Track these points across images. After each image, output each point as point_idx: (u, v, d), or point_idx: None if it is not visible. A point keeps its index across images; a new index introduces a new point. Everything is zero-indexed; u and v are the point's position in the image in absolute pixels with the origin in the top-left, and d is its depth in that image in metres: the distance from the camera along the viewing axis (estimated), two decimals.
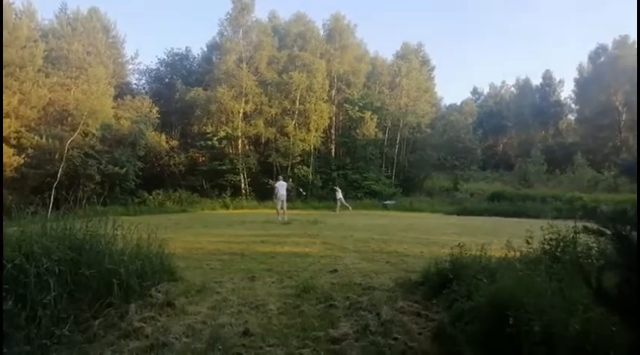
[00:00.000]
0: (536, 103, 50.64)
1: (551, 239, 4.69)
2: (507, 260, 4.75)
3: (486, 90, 60.96)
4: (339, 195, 24.46)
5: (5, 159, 20.21)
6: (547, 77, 52.57)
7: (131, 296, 4.52)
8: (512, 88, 57.55)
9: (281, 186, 16.89)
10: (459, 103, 54.02)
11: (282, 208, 16.36)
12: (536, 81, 53.81)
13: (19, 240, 3.88)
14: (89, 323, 3.78)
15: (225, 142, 30.10)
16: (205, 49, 35.84)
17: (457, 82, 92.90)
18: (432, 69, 41.21)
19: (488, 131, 50.92)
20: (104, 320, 3.94)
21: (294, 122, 30.91)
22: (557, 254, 4.40)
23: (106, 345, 3.54)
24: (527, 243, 4.80)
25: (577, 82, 47.27)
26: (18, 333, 2.94)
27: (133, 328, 3.87)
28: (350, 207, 24.20)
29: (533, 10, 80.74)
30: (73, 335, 3.47)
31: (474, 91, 61.72)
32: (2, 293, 1.99)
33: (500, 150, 53.61)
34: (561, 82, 52.40)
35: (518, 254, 4.76)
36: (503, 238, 5.12)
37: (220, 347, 3.56)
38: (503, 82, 59.78)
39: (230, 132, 29.64)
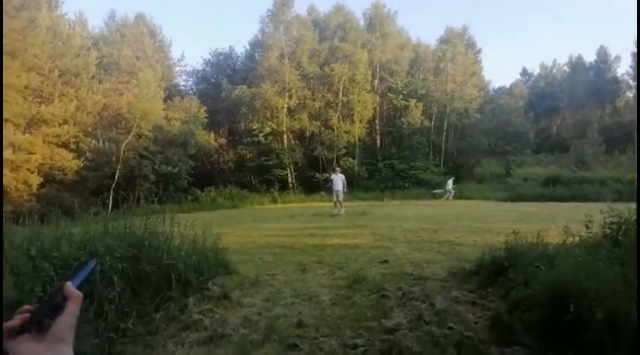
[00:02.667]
0: (590, 82, 47.78)
1: (612, 222, 4.43)
2: (565, 246, 4.55)
3: (537, 71, 57.98)
4: (450, 185, 25.08)
5: (65, 163, 21.40)
6: (602, 53, 49.50)
7: (189, 290, 4.69)
8: (565, 67, 54.61)
9: (337, 179, 16.48)
10: (508, 86, 51.91)
11: (337, 200, 16.12)
12: (590, 58, 50.80)
13: (84, 239, 4.11)
14: (151, 317, 3.96)
15: (270, 138, 30.53)
16: (248, 47, 36.48)
17: (505, 64, 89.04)
18: (478, 52, 39.79)
19: (541, 113, 48.66)
20: (165, 313, 4.11)
21: (337, 114, 30.89)
22: (619, 238, 4.17)
23: (167, 337, 3.70)
24: (587, 227, 4.57)
25: (635, 56, 44.11)
26: (88, 326, 3.11)
27: (193, 320, 4.03)
28: (450, 197, 24.67)
29: None
30: (136, 329, 3.66)
31: (524, 72, 58.95)
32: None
33: (553, 133, 51.09)
34: (617, 57, 49.04)
35: (577, 239, 4.55)
36: (560, 224, 4.89)
37: (276, 337, 3.64)
38: (555, 61, 56.67)
39: (275, 127, 30.04)
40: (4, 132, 19.47)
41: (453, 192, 24.90)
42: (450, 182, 25.35)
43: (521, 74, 58.97)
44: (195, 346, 3.53)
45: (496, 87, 47.98)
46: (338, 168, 18.01)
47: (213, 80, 35.58)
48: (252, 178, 30.52)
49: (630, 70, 46.32)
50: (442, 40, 36.95)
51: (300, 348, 3.44)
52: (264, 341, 3.61)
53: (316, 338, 3.64)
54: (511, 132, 35.32)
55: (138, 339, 3.57)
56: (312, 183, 29.52)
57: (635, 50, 43.24)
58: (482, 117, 35.67)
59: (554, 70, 56.43)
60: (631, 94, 47.78)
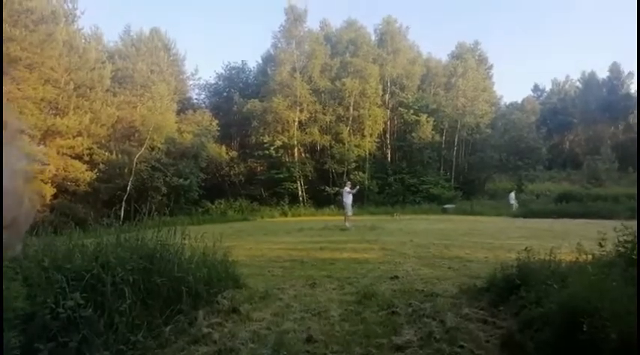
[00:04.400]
0: (603, 98, 47.62)
1: (625, 241, 4.36)
2: (578, 264, 4.49)
3: (549, 87, 58.06)
4: (513, 200, 25.78)
5: (79, 175, 21.66)
6: (614, 70, 49.46)
7: (199, 303, 4.70)
8: (577, 83, 54.50)
9: (346, 193, 16.53)
10: (519, 101, 51.87)
11: (347, 215, 16.15)
12: (603, 74, 50.75)
13: (96, 251, 4.14)
14: (161, 330, 3.96)
15: (281, 151, 30.67)
16: (260, 62, 36.93)
17: (517, 80, 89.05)
18: (490, 67, 39.84)
19: (553, 129, 48.47)
20: (174, 326, 4.11)
21: (348, 128, 30.99)
22: (633, 257, 4.09)
23: (177, 351, 3.70)
24: (600, 245, 4.50)
25: None
26: (98, 339, 3.13)
27: (202, 334, 4.03)
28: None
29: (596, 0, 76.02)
30: (146, 342, 3.66)
31: (536, 88, 58.96)
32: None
33: (566, 149, 50.76)
34: (630, 74, 49.03)
35: (590, 257, 4.48)
36: (573, 241, 4.84)
37: (285, 352, 3.62)
38: (567, 77, 56.68)
39: (286, 141, 30.19)
40: (18, 143, 19.74)
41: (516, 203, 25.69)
42: (513, 194, 26.36)
43: (532, 90, 59.07)
44: None
45: (508, 102, 47.94)
46: (348, 182, 18.03)
47: (225, 94, 35.96)
48: (263, 191, 30.61)
49: None
50: (453, 56, 37.09)
51: None
52: None
53: (325, 354, 3.62)
54: (523, 148, 35.08)
55: (147, 352, 3.57)
56: (323, 197, 29.52)
57: None
58: (494, 133, 35.50)
59: (567, 86, 56.33)
60: None
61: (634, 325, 2.61)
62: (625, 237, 4.37)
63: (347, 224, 15.61)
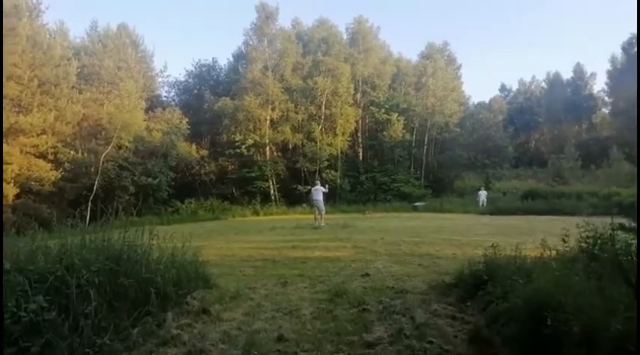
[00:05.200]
0: (568, 98, 49.29)
1: (588, 237, 4.52)
2: (543, 259, 4.63)
3: (515, 87, 59.61)
4: (483, 197, 26.17)
5: (43, 174, 20.98)
6: (578, 71, 51.26)
7: (168, 304, 4.62)
8: (543, 83, 56.20)
9: (316, 191, 16.46)
10: (487, 101, 53.10)
11: (319, 214, 16.16)
12: (567, 75, 52.55)
13: (60, 252, 4.02)
14: (128, 332, 3.88)
15: (253, 150, 30.48)
16: (232, 59, 36.58)
17: (485, 80, 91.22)
18: (459, 67, 40.63)
19: (520, 128, 49.83)
20: (142, 328, 4.03)
21: (320, 127, 31.06)
22: (595, 252, 4.24)
23: (145, 353, 3.63)
24: (564, 241, 4.66)
25: (610, 73, 45.59)
26: (62, 342, 3.05)
27: (171, 335, 3.96)
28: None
29: (561, 2, 78.59)
30: (113, 344, 3.57)
31: (503, 88, 60.46)
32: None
33: (532, 147, 52.28)
34: (593, 74, 51.12)
35: (554, 253, 4.62)
36: (538, 237, 4.99)
37: (256, 352, 3.60)
38: (533, 78, 58.35)
39: (258, 139, 30.02)
40: None
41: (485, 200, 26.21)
42: (484, 192, 26.85)
43: (500, 90, 60.53)
44: None
45: (476, 102, 49.03)
46: (317, 181, 18.10)
47: (195, 91, 35.48)
48: (234, 190, 30.40)
49: (605, 87, 47.75)
50: (423, 56, 37.65)
51: None
52: None
53: (297, 353, 3.62)
54: (490, 147, 35.96)
55: None
56: (295, 196, 29.53)
57: (610, 68, 44.74)
58: (463, 132, 36.25)
59: (533, 86, 57.99)
60: (606, 111, 49.22)
61: (596, 318, 2.71)
62: (587, 233, 4.54)
63: (321, 222, 15.65)
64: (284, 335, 3.98)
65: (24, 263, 3.51)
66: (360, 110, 34.28)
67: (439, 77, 35.41)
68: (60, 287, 3.45)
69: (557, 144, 44.20)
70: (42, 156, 21.69)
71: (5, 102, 20.11)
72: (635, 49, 42.06)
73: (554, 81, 53.13)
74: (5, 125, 19.86)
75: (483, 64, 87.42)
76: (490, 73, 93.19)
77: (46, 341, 2.91)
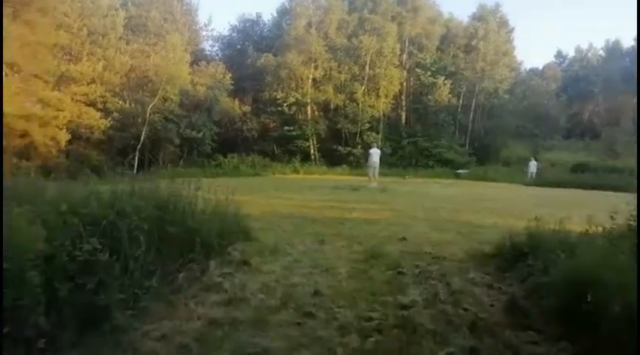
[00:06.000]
0: (627, 68, 45.82)
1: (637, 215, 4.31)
2: (588, 235, 4.43)
3: (572, 54, 56.05)
4: (533, 167, 24.77)
5: (93, 122, 21.83)
6: None
7: (211, 254, 4.79)
8: (601, 51, 52.54)
9: (374, 153, 16.97)
10: (540, 68, 50.34)
11: (373, 175, 16.48)
12: (628, 43, 48.70)
13: (111, 198, 4.20)
14: (174, 277, 4.09)
15: (294, 108, 30.37)
16: (275, 15, 35.96)
17: (539, 45, 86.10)
18: (511, 31, 38.25)
19: (573, 97, 47.17)
20: (187, 274, 4.23)
21: (363, 88, 30.46)
22: None
23: (189, 297, 3.82)
24: (612, 218, 4.44)
25: None
26: (114, 282, 3.23)
27: (214, 283, 4.15)
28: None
29: None
30: (160, 287, 3.78)
31: (558, 55, 56.96)
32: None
33: (585, 118, 49.54)
34: None
35: (600, 229, 4.41)
36: (584, 212, 4.76)
37: (293, 305, 3.71)
38: (591, 45, 54.57)
39: (300, 98, 29.84)
40: (33, 87, 19.88)
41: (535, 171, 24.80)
42: (534, 162, 25.27)
43: (555, 56, 57.07)
44: (214, 307, 3.64)
45: (528, 68, 46.47)
46: (374, 143, 18.34)
47: (239, 46, 35.32)
48: (275, 148, 30.65)
49: None
50: (474, 17, 35.66)
51: (316, 316, 3.50)
52: (281, 307, 3.69)
53: (332, 308, 3.70)
54: (541, 116, 34.40)
55: (161, 297, 3.69)
56: (335, 156, 29.50)
57: None
58: (512, 99, 34.69)
59: (590, 54, 54.36)
60: None
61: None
62: (637, 211, 4.31)
63: (374, 184, 15.90)
64: (320, 290, 4.07)
65: (78, 206, 3.67)
66: (405, 72, 33.23)
67: (490, 40, 33.65)
68: (111, 231, 3.62)
69: (612, 117, 41.69)
70: (92, 104, 22.48)
71: (56, 50, 20.77)
72: None
73: (613, 49, 49.53)
74: (56, 73, 20.61)
75: (538, 29, 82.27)
76: (545, 38, 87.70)
77: (99, 280, 3.08)
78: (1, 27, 12.81)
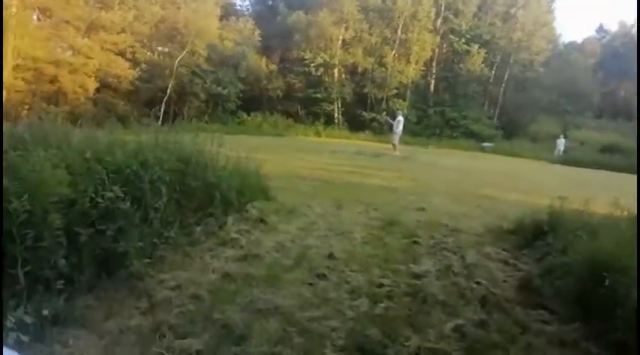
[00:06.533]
0: None
1: None
2: (612, 219, 4.30)
3: (614, 29, 53.10)
4: (561, 145, 23.82)
5: (121, 72, 21.96)
6: None
7: (229, 210, 4.88)
8: None
9: (400, 121, 16.93)
10: (580, 42, 47.94)
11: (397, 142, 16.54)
12: None
13: (136, 148, 4.25)
14: (192, 229, 4.19)
15: (321, 70, 29.81)
16: None
17: (580, 18, 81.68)
18: (552, 0, 36.42)
19: (610, 75, 44.89)
20: (205, 227, 4.33)
21: (393, 52, 29.62)
22: None
23: (206, 250, 3.92)
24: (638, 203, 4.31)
25: None
26: (133, 231, 3.31)
27: (230, 238, 4.24)
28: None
29: None
30: (178, 238, 3.88)
31: (600, 29, 54.01)
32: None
33: (621, 98, 47.39)
34: None
35: (625, 213, 4.28)
36: (611, 194, 4.62)
37: (306, 265, 3.77)
38: (636, 20, 51.54)
39: (327, 59, 29.23)
40: (64, 33, 20.00)
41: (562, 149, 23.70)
42: (562, 140, 24.13)
43: (596, 30, 54.11)
44: (230, 262, 3.72)
45: (567, 41, 44.20)
46: (399, 111, 18.12)
47: (270, 2, 34.66)
48: (299, 109, 30.39)
49: None
50: None
51: (328, 278, 3.56)
52: (295, 266, 3.76)
53: (344, 271, 3.75)
54: (574, 92, 32.99)
55: (178, 247, 3.79)
56: (358, 121, 29.15)
57: None
58: (547, 72, 33.28)
59: (634, 30, 51.29)
60: None
61: None
62: None
63: (396, 152, 15.85)
64: (334, 253, 4.12)
65: (102, 154, 3.72)
66: (439, 38, 32.03)
67: (531, 9, 31.98)
68: (134, 180, 3.68)
69: None
70: (121, 54, 22.53)
71: None
72: None
73: None
74: (87, 19, 20.63)
75: (581, 0, 77.73)
76: (587, 10, 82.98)
77: (119, 228, 3.16)
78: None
